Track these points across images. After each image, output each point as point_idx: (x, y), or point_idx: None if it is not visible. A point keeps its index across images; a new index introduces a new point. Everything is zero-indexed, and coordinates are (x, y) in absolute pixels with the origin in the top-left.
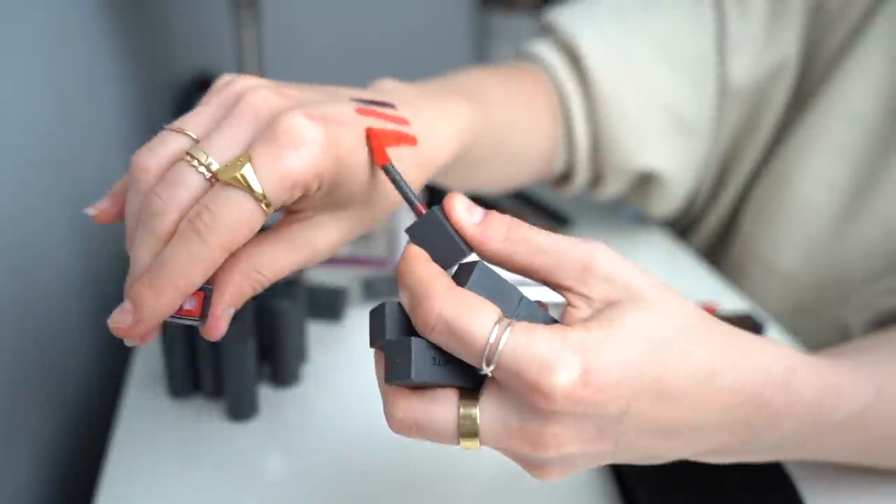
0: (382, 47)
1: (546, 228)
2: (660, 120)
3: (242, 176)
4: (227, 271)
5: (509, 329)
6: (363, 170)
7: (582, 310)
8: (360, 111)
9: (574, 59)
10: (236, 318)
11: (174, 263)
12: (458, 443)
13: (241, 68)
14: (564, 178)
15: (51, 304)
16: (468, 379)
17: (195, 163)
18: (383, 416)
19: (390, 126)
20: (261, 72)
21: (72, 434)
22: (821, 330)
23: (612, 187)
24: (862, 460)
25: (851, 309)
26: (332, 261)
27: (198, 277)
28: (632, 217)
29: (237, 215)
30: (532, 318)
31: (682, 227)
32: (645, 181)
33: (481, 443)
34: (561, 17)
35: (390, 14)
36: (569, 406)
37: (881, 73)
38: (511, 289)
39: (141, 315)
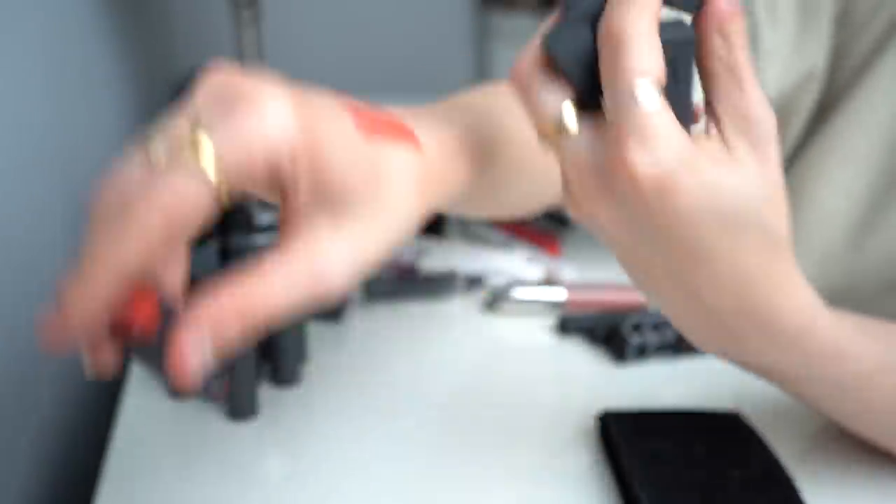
0: (382, 47)
1: (545, 229)
2: None
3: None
4: (207, 307)
5: (656, 91)
6: (349, 151)
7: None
8: (348, 108)
9: None
10: None
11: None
12: (544, 123)
13: (241, 66)
14: None
15: (47, 298)
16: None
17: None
18: (382, 416)
19: (386, 117)
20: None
21: (72, 434)
22: None
23: None
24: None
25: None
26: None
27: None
28: None
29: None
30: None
31: None
32: None
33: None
34: None
35: (390, 14)
36: (627, 188)
37: None
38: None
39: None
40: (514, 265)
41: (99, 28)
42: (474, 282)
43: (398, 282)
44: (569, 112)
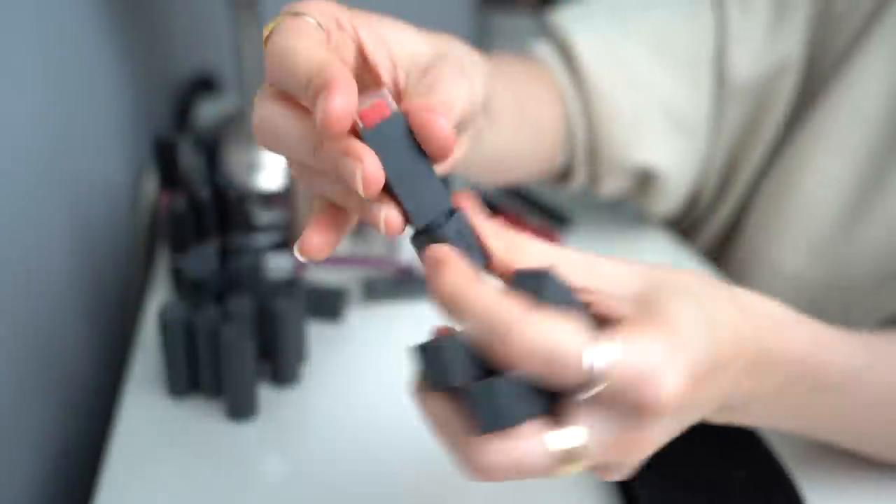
0: None
1: (546, 228)
2: (655, 118)
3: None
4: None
5: (604, 345)
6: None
7: (618, 307)
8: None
9: (570, 59)
10: (237, 317)
11: None
12: (557, 472)
13: (240, 69)
14: (565, 175)
15: (50, 304)
16: (546, 403)
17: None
18: (381, 416)
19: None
20: (260, 72)
21: (72, 433)
22: None
23: (611, 184)
24: (857, 436)
25: (859, 312)
26: (332, 260)
27: None
28: (633, 215)
29: None
30: (567, 303)
31: (685, 227)
32: (644, 179)
33: (584, 465)
34: (558, 18)
35: (390, 13)
36: (675, 408)
37: (887, 75)
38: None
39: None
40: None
41: (99, 30)
42: None
43: (397, 282)
44: (555, 446)
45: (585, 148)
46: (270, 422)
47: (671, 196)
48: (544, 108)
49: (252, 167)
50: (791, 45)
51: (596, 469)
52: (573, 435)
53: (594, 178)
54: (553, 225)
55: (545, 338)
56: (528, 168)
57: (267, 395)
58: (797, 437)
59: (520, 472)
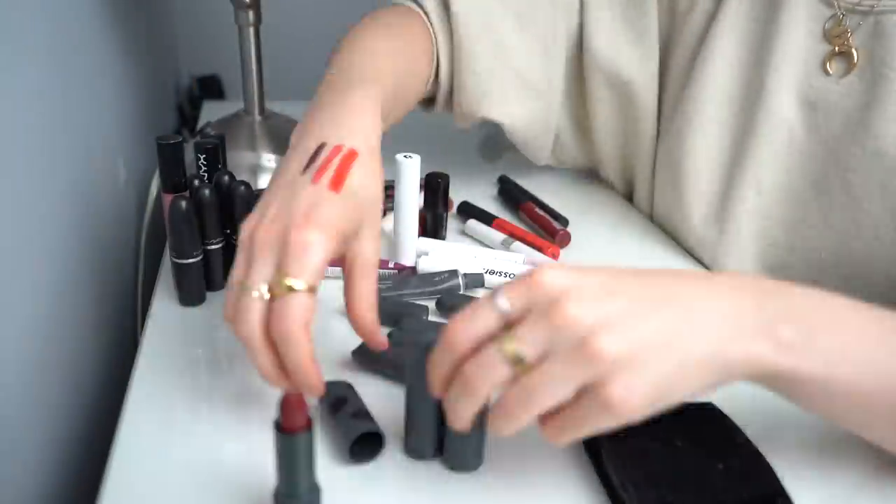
0: None
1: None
2: (507, 80)
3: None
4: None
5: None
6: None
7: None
8: (314, 180)
9: (446, 8)
10: None
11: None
12: (503, 347)
13: (244, 71)
14: (428, 101)
15: (55, 305)
16: None
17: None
18: (378, 409)
19: (335, 162)
20: (260, 73)
21: (77, 434)
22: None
23: (466, 125)
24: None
25: (750, 267)
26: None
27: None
28: (625, 216)
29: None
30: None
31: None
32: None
33: (526, 349)
34: None
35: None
36: (565, 283)
37: (735, 57)
38: None
39: None
40: (512, 265)
41: (104, 32)
42: (474, 281)
43: (399, 281)
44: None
45: (446, 89)
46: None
47: (529, 147)
48: (420, 64)
49: (255, 169)
50: (646, 22)
51: (579, 388)
52: (502, 304)
53: (455, 117)
54: (553, 224)
55: (469, 308)
56: (409, 107)
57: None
58: (768, 426)
59: (474, 331)
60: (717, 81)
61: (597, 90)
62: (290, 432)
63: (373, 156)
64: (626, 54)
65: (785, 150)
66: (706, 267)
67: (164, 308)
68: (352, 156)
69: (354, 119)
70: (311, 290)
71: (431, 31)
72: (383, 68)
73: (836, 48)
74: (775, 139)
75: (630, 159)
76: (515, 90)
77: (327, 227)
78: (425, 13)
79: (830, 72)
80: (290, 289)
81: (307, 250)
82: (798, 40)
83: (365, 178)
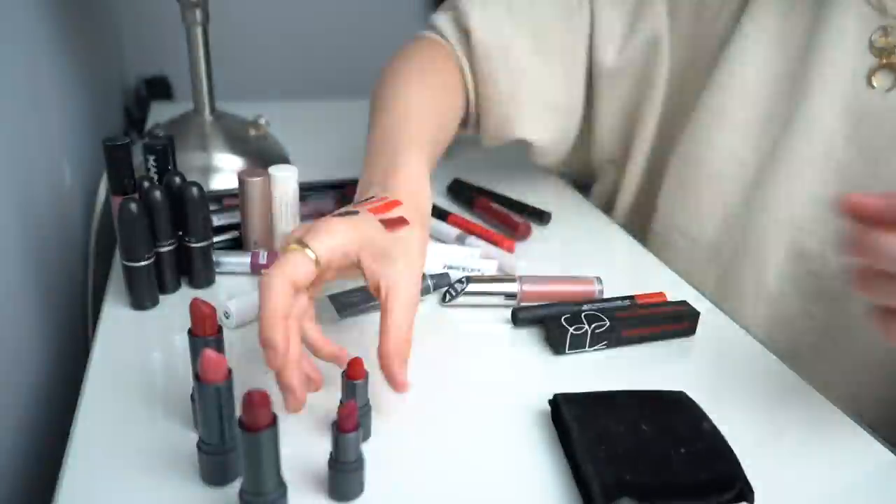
0: (350, 45)
1: (527, 224)
2: (530, 102)
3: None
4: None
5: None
6: (383, 238)
7: None
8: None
9: (466, 37)
10: None
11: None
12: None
13: (192, 70)
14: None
15: (1, 309)
16: None
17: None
18: None
19: (393, 213)
20: (209, 72)
21: (25, 444)
22: (745, 298)
23: (499, 143)
24: None
25: (768, 277)
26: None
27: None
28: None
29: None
30: None
31: (604, 203)
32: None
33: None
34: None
35: (349, 12)
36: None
37: (767, 55)
38: None
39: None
40: (470, 260)
41: (50, 34)
42: (441, 280)
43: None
44: None
45: (475, 115)
46: None
47: (551, 159)
48: (453, 94)
49: (207, 169)
50: (655, 27)
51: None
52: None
53: (482, 140)
54: (534, 221)
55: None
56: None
57: None
58: (739, 416)
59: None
60: (744, 84)
61: (605, 103)
62: (254, 431)
63: (423, 227)
64: (632, 49)
65: (822, 159)
66: (709, 273)
67: (115, 312)
68: (404, 221)
69: (409, 185)
70: (315, 262)
71: (458, 62)
72: (427, 126)
73: (884, 60)
74: (813, 147)
75: (622, 166)
76: (538, 111)
77: (352, 226)
78: (450, 44)
79: (875, 85)
80: (300, 245)
81: (329, 232)
82: (846, 49)
83: (409, 231)
